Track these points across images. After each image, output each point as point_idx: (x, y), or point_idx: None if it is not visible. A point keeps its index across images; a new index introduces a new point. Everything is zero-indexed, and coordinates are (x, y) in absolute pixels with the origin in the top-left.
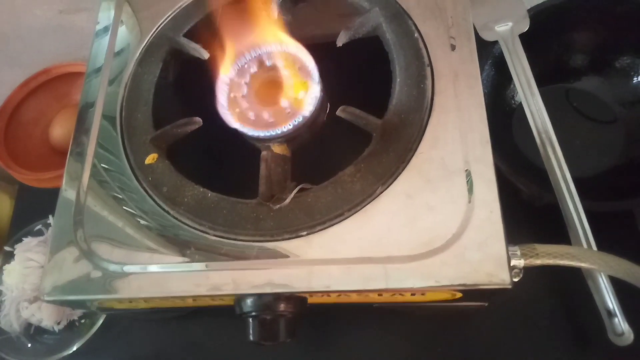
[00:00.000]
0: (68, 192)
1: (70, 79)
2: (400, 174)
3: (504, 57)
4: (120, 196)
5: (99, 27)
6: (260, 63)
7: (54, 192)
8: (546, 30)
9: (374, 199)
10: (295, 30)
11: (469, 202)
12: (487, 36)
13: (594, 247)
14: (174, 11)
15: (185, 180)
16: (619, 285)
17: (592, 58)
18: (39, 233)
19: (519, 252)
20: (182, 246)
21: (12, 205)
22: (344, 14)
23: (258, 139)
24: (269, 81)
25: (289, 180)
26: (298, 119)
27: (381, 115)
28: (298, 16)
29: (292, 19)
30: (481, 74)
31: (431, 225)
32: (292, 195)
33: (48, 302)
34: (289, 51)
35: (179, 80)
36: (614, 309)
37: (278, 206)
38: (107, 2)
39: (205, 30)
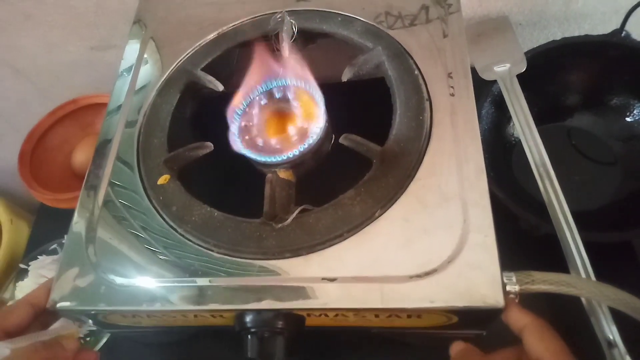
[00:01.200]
0: (83, 209)
1: (95, 109)
2: (398, 198)
3: (502, 95)
4: (131, 214)
5: (124, 64)
6: (271, 95)
7: (71, 215)
8: (543, 72)
9: (372, 222)
10: (305, 67)
11: (464, 226)
12: (487, 76)
13: (593, 278)
14: (194, 48)
15: (194, 200)
16: (619, 316)
17: (587, 98)
18: (54, 252)
19: (514, 278)
20: (187, 263)
21: (29, 234)
22: (350, 53)
23: (265, 164)
24: (278, 111)
25: (293, 204)
26: (304, 146)
27: (382, 144)
28: (307, 55)
29: (302, 57)
30: (481, 112)
31: (427, 248)
32: (293, 215)
33: (56, 310)
34: (298, 85)
35: (194, 110)
36: (614, 340)
37: (280, 225)
38: (134, 40)
39: (221, 65)
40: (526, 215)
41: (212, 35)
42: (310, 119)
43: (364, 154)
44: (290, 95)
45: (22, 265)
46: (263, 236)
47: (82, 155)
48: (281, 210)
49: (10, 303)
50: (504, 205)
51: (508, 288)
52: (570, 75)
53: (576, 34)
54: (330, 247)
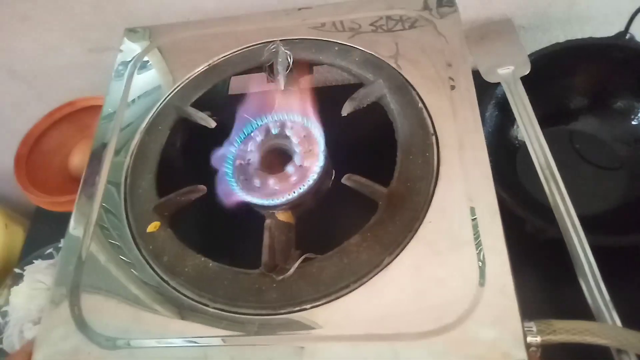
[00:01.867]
0: (67, 261)
1: (92, 111)
2: (407, 243)
3: (506, 98)
4: (119, 266)
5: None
6: (267, 131)
7: (67, 218)
8: (547, 74)
9: (381, 270)
10: (301, 100)
11: (480, 275)
12: (490, 79)
13: (600, 282)
14: (183, 81)
15: (186, 249)
16: None
17: (591, 101)
18: (50, 256)
19: (534, 329)
20: (180, 319)
21: (24, 239)
22: (349, 85)
23: (262, 206)
24: (275, 149)
25: (293, 248)
26: (303, 187)
27: (387, 183)
28: (303, 87)
29: (298, 90)
30: (485, 114)
31: (441, 300)
32: (295, 265)
33: None
34: (295, 120)
35: (186, 149)
36: None
37: (281, 277)
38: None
39: (213, 99)
40: (532, 219)
41: (202, 67)
42: (310, 157)
43: (369, 195)
44: (287, 131)
45: (17, 270)
46: (263, 289)
47: (79, 158)
48: (281, 257)
49: (4, 309)
50: (509, 208)
51: (529, 340)
52: (574, 78)
53: (579, 36)
54: (336, 300)
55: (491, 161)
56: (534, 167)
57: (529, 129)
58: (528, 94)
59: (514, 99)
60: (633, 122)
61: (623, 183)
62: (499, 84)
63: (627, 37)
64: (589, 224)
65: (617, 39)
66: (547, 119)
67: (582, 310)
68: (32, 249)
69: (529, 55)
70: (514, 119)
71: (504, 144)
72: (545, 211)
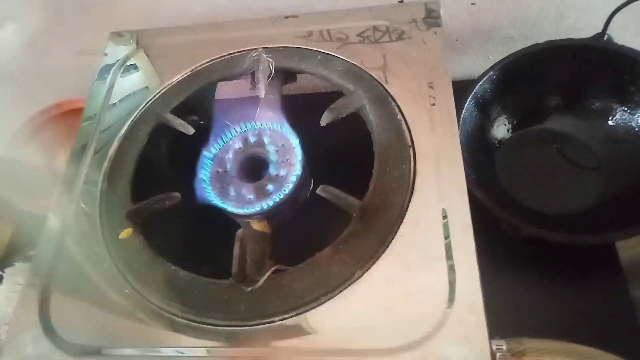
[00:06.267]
0: (40, 263)
1: (79, 113)
2: (379, 257)
3: (485, 96)
4: (92, 271)
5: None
6: (245, 139)
7: None
8: (527, 74)
9: (351, 284)
10: (281, 108)
11: (450, 291)
12: None
13: None
14: (165, 87)
15: (158, 257)
16: None
17: (570, 101)
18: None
19: (504, 347)
20: (148, 328)
21: (10, 236)
22: (330, 94)
23: (238, 215)
24: (252, 157)
25: (267, 258)
26: (279, 197)
27: (363, 195)
28: (284, 95)
29: (278, 98)
30: (464, 113)
31: (411, 315)
32: (265, 277)
33: None
34: (274, 129)
35: (164, 155)
36: None
37: (250, 288)
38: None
39: (193, 105)
40: (507, 217)
41: (185, 73)
42: (287, 166)
43: (343, 207)
44: (265, 140)
45: None
46: (232, 299)
47: (64, 160)
48: (253, 268)
49: None
50: (484, 207)
51: (498, 358)
52: (553, 78)
53: None
54: (306, 313)
55: (468, 159)
56: (512, 166)
57: None
58: (508, 94)
59: None
60: (610, 123)
61: (601, 183)
62: (477, 81)
63: (605, 38)
64: (566, 223)
65: (594, 40)
66: (527, 119)
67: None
68: (14, 251)
69: (509, 56)
70: (494, 118)
71: (482, 143)
72: (523, 210)
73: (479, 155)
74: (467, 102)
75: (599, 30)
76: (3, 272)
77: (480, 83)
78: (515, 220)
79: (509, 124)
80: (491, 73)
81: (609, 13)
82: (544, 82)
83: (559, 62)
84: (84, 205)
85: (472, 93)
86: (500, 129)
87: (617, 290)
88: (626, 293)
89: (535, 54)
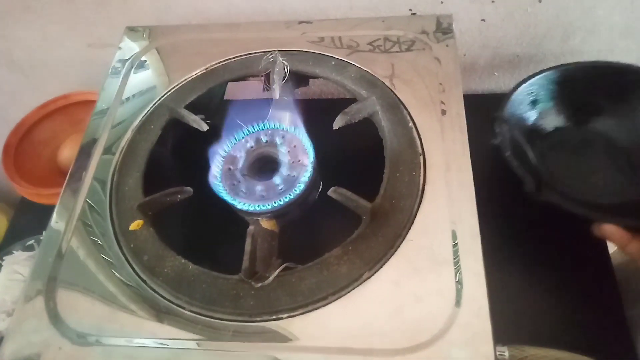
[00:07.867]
0: (46, 254)
1: (86, 106)
2: (388, 260)
3: (538, 90)
4: (99, 262)
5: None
6: (258, 139)
7: (52, 211)
8: (582, 82)
9: (360, 284)
10: (294, 110)
11: (457, 296)
12: None
13: None
14: (180, 82)
15: (167, 250)
16: None
17: (615, 110)
18: (30, 248)
19: (507, 354)
20: (155, 320)
21: (6, 228)
22: (343, 100)
23: (247, 212)
24: (264, 157)
25: (275, 257)
26: (289, 196)
27: (373, 198)
28: (298, 98)
29: (292, 100)
30: (515, 94)
31: (417, 317)
32: (275, 274)
33: None
34: (287, 130)
35: (176, 150)
36: None
37: (260, 285)
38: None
39: (207, 103)
40: (529, 178)
41: (199, 71)
42: (298, 167)
43: (354, 209)
44: (277, 140)
45: None
46: (240, 295)
47: (69, 152)
48: (262, 264)
49: None
50: (510, 167)
51: None
52: (602, 92)
53: None
54: (313, 312)
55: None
56: (549, 156)
57: None
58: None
59: None
60: None
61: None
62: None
63: None
64: (588, 205)
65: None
66: (576, 117)
67: None
68: (13, 239)
69: (570, 64)
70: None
71: (525, 129)
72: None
73: (520, 138)
74: (521, 86)
75: (603, 53)
76: (2, 260)
77: (538, 77)
78: (537, 179)
79: (556, 118)
80: (549, 72)
81: (615, 37)
82: (595, 90)
83: (608, 80)
84: (91, 198)
85: (527, 82)
86: (545, 122)
87: (612, 307)
88: (621, 310)
89: (594, 69)
